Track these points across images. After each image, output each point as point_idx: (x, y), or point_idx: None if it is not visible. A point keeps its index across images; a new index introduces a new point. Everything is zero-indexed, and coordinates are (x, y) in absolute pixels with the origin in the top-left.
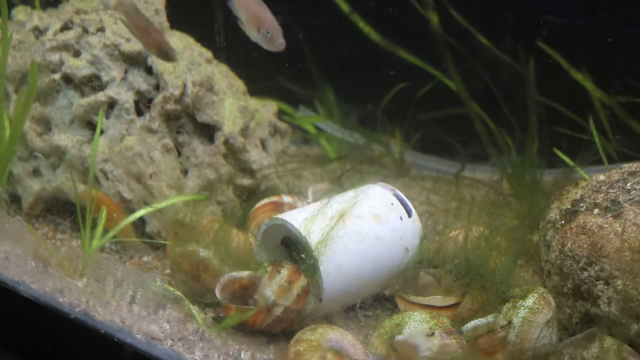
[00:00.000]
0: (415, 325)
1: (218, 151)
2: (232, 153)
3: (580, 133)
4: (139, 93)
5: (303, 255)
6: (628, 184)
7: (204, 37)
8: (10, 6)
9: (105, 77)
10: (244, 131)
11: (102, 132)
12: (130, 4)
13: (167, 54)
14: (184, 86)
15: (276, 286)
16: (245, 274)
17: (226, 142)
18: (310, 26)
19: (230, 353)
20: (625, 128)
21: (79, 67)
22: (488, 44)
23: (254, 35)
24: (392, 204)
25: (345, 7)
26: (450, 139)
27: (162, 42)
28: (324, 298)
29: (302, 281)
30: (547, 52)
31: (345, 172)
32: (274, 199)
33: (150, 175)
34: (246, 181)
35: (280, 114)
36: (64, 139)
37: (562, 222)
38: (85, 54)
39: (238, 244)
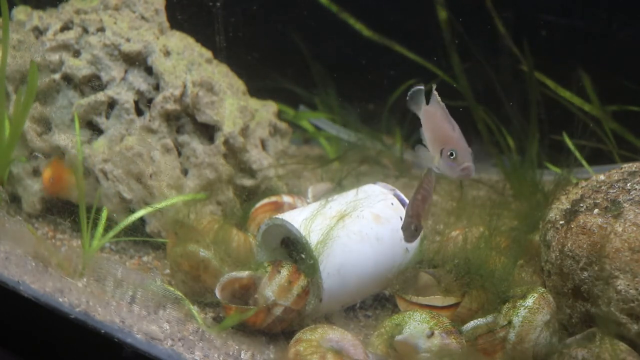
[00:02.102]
0: (415, 325)
1: (218, 151)
2: (232, 153)
3: (582, 133)
4: (139, 93)
5: (303, 255)
6: (628, 184)
7: (204, 37)
8: (10, 6)
9: (105, 77)
10: (244, 131)
11: (102, 132)
12: (431, 175)
13: (414, 232)
14: (184, 86)
15: (276, 286)
16: (245, 274)
17: (226, 142)
18: (311, 26)
19: (230, 353)
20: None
21: (79, 67)
22: (504, 31)
23: (436, 160)
24: (392, 204)
25: (334, 8)
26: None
27: (420, 218)
28: (324, 298)
29: (302, 281)
30: (548, 51)
31: (347, 176)
32: (274, 199)
33: (150, 175)
34: (246, 181)
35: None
36: (64, 139)
37: (562, 222)
38: (85, 54)
39: (238, 244)
